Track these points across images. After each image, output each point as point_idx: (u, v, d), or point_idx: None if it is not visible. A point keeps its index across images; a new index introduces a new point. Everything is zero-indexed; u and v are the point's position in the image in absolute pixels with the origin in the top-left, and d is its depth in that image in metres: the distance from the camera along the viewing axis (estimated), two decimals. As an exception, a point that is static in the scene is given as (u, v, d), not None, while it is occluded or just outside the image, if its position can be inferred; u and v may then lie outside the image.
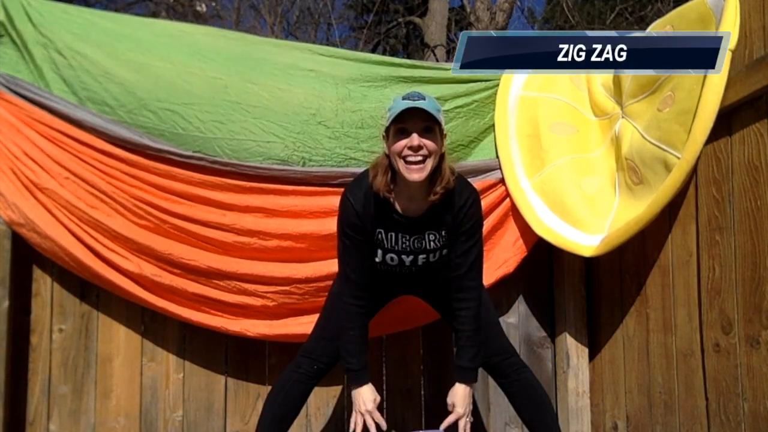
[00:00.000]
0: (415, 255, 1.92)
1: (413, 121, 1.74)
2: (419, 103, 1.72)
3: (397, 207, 1.87)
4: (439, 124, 1.76)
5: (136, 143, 2.28)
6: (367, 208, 1.85)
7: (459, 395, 1.93)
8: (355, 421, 1.89)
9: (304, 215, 2.35)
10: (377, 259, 1.92)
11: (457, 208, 1.86)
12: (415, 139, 1.73)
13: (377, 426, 1.89)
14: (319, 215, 2.36)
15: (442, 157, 1.82)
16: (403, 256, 1.92)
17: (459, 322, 1.92)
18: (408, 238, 1.89)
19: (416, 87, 2.44)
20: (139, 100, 2.29)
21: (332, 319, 2.03)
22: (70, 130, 2.28)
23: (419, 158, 1.74)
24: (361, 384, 1.91)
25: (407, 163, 1.75)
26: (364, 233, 1.87)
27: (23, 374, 2.34)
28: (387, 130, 1.79)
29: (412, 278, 2.01)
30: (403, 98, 1.76)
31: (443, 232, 1.89)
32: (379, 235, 1.88)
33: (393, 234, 1.88)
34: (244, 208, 2.33)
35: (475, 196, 1.90)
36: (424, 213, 1.87)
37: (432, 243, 1.90)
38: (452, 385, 1.96)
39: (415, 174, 1.75)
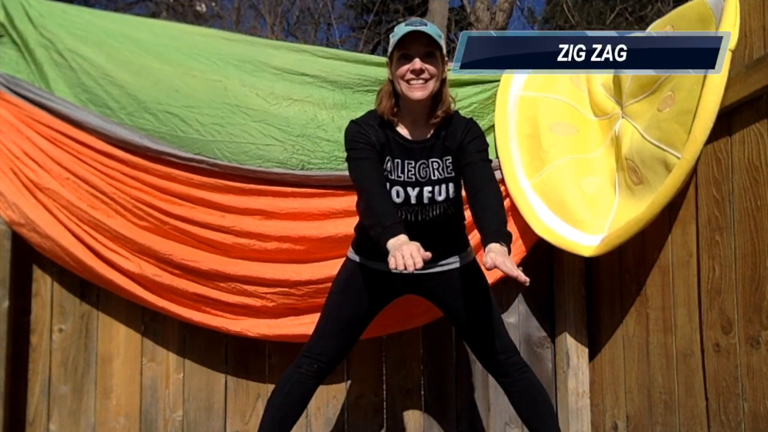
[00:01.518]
0: (421, 187, 1.91)
1: (415, 46, 1.81)
2: (421, 28, 1.79)
3: (402, 133, 1.92)
4: (440, 48, 1.83)
5: (137, 145, 2.28)
6: (373, 133, 1.90)
7: (494, 250, 1.62)
8: (397, 258, 1.56)
9: (303, 217, 2.36)
10: None
11: (459, 131, 1.91)
12: (417, 63, 1.81)
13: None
14: (319, 217, 2.36)
15: (443, 82, 1.89)
16: (409, 189, 1.91)
17: (484, 203, 1.79)
18: (413, 164, 1.91)
19: None
20: (140, 103, 2.29)
21: (331, 317, 2.02)
22: (70, 131, 2.28)
23: (421, 81, 1.83)
24: (398, 235, 1.67)
25: (409, 83, 1.83)
26: (374, 144, 1.89)
27: (23, 374, 2.34)
28: (390, 56, 1.86)
29: (419, 233, 1.88)
30: (406, 24, 1.83)
31: (448, 162, 1.92)
32: (388, 164, 1.91)
33: (399, 161, 1.91)
34: (243, 210, 2.33)
35: (474, 122, 1.97)
36: (428, 138, 1.92)
37: (437, 172, 1.92)
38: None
39: (417, 92, 1.83)
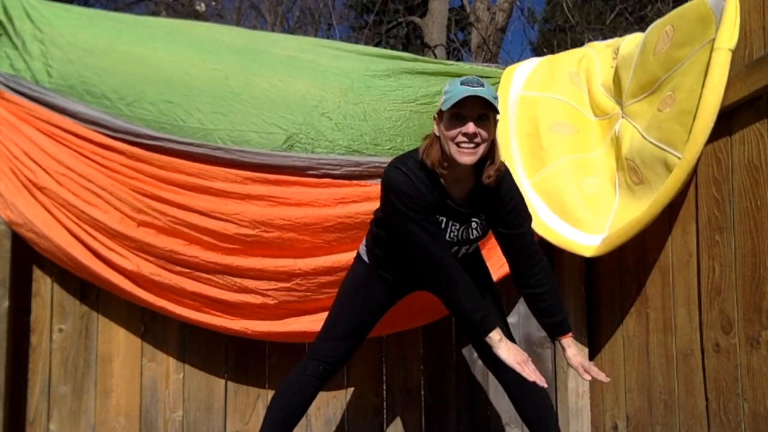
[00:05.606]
0: (460, 246, 1.92)
1: (470, 107, 1.72)
2: (478, 91, 1.70)
3: (448, 190, 1.85)
4: (495, 110, 1.76)
5: (137, 133, 2.26)
6: (428, 192, 1.81)
7: (575, 350, 1.97)
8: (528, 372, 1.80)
9: (306, 206, 2.33)
10: None
11: (499, 192, 1.86)
12: (470, 126, 1.72)
13: None
14: (322, 206, 2.33)
15: (493, 143, 1.82)
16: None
17: (540, 284, 1.92)
18: (458, 227, 1.89)
19: (416, 78, 2.47)
20: (139, 93, 2.28)
21: (341, 320, 2.02)
22: (69, 126, 2.26)
23: (472, 145, 1.74)
24: (494, 327, 1.84)
25: (459, 146, 1.75)
26: (432, 209, 1.82)
27: (23, 374, 2.34)
28: (440, 112, 1.78)
29: None
30: (462, 83, 1.74)
31: (483, 219, 1.92)
32: (442, 222, 1.87)
33: (445, 220, 1.87)
34: (245, 197, 2.29)
35: (513, 182, 1.91)
36: (467, 197, 1.87)
37: (475, 231, 1.92)
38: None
39: (466, 157, 1.74)
